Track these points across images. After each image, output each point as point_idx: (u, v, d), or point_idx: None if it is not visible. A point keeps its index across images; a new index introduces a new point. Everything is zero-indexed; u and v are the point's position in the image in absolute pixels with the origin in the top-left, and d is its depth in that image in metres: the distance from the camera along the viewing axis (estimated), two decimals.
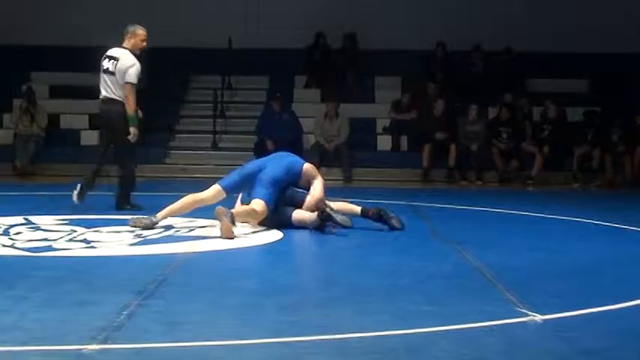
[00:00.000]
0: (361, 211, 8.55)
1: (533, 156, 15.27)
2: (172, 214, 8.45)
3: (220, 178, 8.67)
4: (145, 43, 9.66)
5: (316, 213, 8.29)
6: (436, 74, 16.86)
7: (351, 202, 8.87)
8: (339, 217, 8.17)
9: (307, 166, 8.66)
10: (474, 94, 16.18)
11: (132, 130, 9.52)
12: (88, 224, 8.37)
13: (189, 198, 8.56)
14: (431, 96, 16.14)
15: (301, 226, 8.35)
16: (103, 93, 9.66)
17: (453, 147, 15.32)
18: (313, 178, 8.60)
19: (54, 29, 17.36)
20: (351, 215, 8.49)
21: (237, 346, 4.41)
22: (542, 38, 17.02)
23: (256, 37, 17.52)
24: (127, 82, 9.47)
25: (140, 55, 9.67)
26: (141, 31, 9.64)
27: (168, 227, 8.30)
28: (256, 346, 4.42)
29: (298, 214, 8.41)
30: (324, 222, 8.19)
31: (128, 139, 9.55)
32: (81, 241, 7.54)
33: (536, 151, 15.25)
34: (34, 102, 15.90)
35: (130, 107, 9.50)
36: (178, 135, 16.72)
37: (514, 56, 16.98)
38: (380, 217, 8.46)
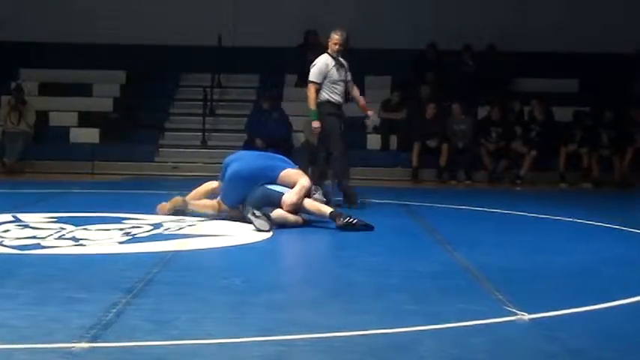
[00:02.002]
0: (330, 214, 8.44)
1: (523, 156, 15.30)
2: (196, 197, 8.93)
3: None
4: (337, 46, 10.42)
5: (297, 216, 8.43)
6: (427, 75, 16.84)
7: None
8: (256, 222, 8.07)
9: (285, 173, 8.62)
10: (465, 94, 16.17)
11: (312, 123, 10.21)
12: (77, 222, 8.35)
13: (212, 183, 9.01)
14: (423, 98, 16.13)
15: (283, 224, 8.36)
16: None
17: (444, 147, 15.32)
18: (294, 183, 8.54)
19: (43, 26, 17.31)
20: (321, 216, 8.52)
21: (226, 344, 4.41)
22: (532, 38, 17.04)
23: (246, 35, 17.50)
24: (308, 81, 10.30)
25: (335, 56, 10.42)
26: (335, 36, 10.44)
27: (157, 225, 8.30)
28: (245, 344, 4.42)
29: (279, 214, 8.40)
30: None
31: (329, 134, 10.24)
32: (69, 238, 7.53)
33: (525, 151, 15.27)
34: (23, 99, 15.84)
35: (310, 103, 10.25)
36: (168, 133, 16.70)
37: (504, 56, 16.98)
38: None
